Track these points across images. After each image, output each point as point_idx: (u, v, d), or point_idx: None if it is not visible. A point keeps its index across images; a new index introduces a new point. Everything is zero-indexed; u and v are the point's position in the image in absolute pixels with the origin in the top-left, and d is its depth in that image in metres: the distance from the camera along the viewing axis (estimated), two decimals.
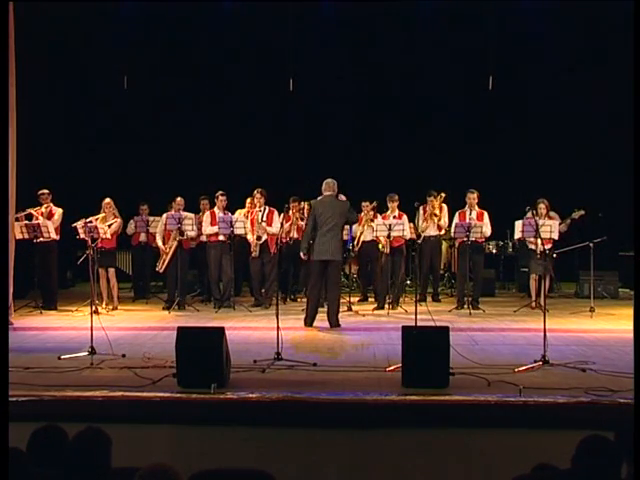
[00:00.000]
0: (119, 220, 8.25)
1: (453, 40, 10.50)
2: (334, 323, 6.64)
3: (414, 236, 8.47)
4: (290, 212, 8.38)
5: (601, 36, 9.90)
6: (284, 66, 10.46)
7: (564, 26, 10.10)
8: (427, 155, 10.83)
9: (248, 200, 8.86)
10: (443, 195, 8.73)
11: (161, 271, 8.27)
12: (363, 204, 8.87)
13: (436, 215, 8.69)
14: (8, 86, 4.46)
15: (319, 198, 6.80)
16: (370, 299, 9.00)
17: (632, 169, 4.84)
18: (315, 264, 6.70)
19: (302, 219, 8.58)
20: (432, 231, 8.79)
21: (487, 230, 8.18)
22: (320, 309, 6.86)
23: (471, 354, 5.07)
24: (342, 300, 8.50)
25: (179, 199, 8.31)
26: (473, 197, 8.21)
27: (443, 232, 9.01)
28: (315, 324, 6.66)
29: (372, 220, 8.64)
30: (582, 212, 8.62)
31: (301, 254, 7.11)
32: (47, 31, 9.58)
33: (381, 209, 8.94)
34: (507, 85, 10.37)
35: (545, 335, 4.82)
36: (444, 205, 8.82)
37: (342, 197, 7.79)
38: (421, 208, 8.79)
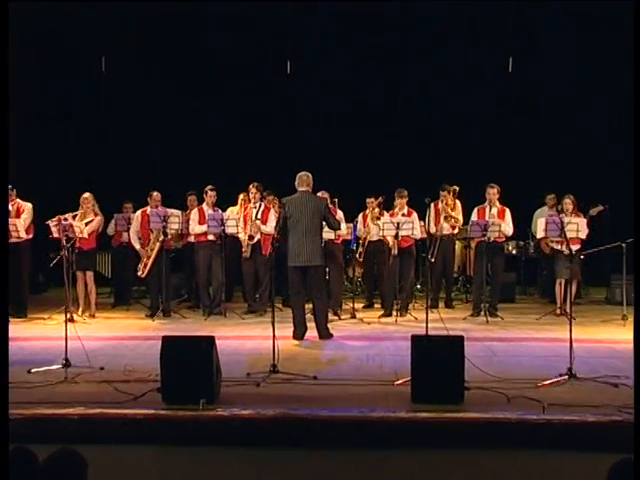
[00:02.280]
0: (99, 217, 8.22)
1: (467, 20, 10.52)
2: (324, 335, 6.58)
3: (425, 236, 8.44)
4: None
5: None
6: (281, 48, 10.47)
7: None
8: (439, 146, 10.84)
9: (241, 196, 8.85)
10: (456, 189, 8.70)
11: (143, 275, 8.24)
12: (368, 200, 8.86)
13: (452, 217, 8.66)
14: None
15: (292, 196, 6.57)
16: (376, 305, 8.99)
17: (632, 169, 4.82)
18: (291, 272, 6.56)
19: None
20: (445, 229, 8.77)
21: (508, 229, 8.16)
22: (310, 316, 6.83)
23: (488, 366, 5.06)
24: (345, 306, 8.56)
25: (155, 194, 8.24)
26: (493, 192, 8.16)
27: (457, 231, 8.99)
28: (314, 334, 6.65)
29: (378, 218, 8.64)
30: (600, 208, 8.60)
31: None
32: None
33: (388, 206, 8.93)
34: (525, 71, 10.46)
35: (572, 346, 4.80)
36: (457, 201, 8.81)
37: (322, 194, 7.75)
38: (432, 205, 8.75)
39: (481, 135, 10.93)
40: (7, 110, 4.76)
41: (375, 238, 8.78)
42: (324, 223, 6.64)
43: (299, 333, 6.54)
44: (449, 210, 8.69)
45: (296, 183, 6.63)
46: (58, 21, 10.39)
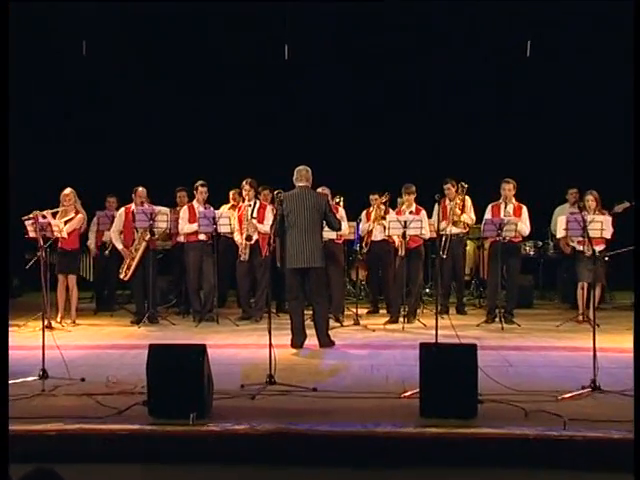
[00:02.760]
0: (81, 215, 8.17)
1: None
2: (324, 343, 6.57)
3: (434, 235, 8.42)
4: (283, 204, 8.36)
5: None
6: (278, 31, 10.48)
7: None
8: (448, 139, 10.87)
9: (232, 193, 8.84)
10: (465, 186, 8.67)
11: (126, 279, 8.22)
12: (372, 197, 8.85)
13: (457, 214, 8.64)
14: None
15: (290, 192, 6.55)
16: (382, 311, 9.00)
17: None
18: (289, 274, 6.55)
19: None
20: (454, 228, 8.75)
21: (525, 228, 8.14)
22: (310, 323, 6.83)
23: (504, 378, 5.05)
24: (348, 312, 8.54)
25: (141, 189, 8.21)
26: (509, 188, 8.14)
27: (466, 230, 8.98)
28: (314, 342, 6.63)
29: (383, 217, 8.62)
30: (626, 204, 8.57)
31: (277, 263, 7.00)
32: None
33: (394, 203, 8.91)
34: (543, 57, 10.52)
35: (595, 355, 4.78)
36: (467, 198, 8.80)
37: (323, 190, 7.74)
38: (440, 202, 8.74)
39: (495, 127, 10.96)
40: (7, 110, 4.98)
41: (379, 238, 8.77)
42: (324, 222, 6.63)
43: (298, 341, 6.52)
44: (457, 211, 8.66)
45: (294, 178, 6.61)
46: (58, 21, 10.58)
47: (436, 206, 8.59)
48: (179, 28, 10.90)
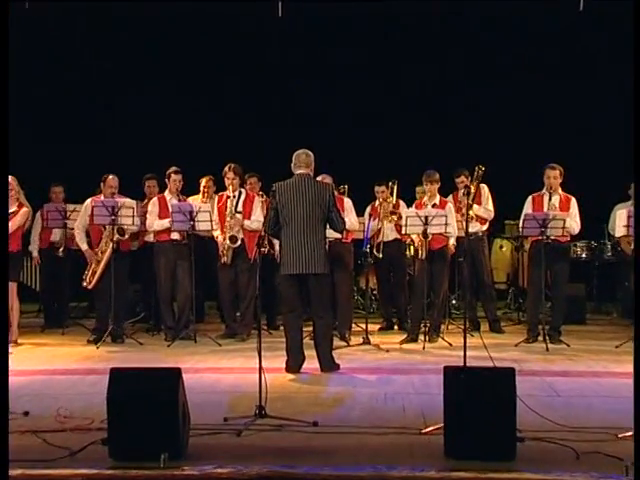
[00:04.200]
0: (26, 209, 8.15)
1: None
2: (327, 366, 6.56)
3: (463, 234, 8.41)
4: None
5: None
6: None
7: None
8: (474, 113, 10.99)
9: (203, 180, 8.78)
10: (482, 169, 8.62)
11: (90, 287, 8.25)
12: (377, 189, 8.85)
13: (475, 217, 8.66)
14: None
15: (286, 181, 6.56)
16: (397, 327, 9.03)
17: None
18: (284, 283, 6.60)
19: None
20: (471, 226, 8.72)
21: (574, 225, 8.11)
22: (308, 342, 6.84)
23: (550, 410, 5.04)
24: (356, 328, 8.56)
25: (111, 178, 8.23)
26: (554, 175, 8.11)
27: (486, 227, 9.00)
28: (315, 364, 6.64)
29: (393, 212, 8.61)
30: None
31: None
32: None
33: (407, 194, 8.89)
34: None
35: None
36: (483, 186, 8.81)
37: (325, 178, 7.74)
38: (451, 196, 8.77)
39: (533, 104, 11.01)
40: (7, 110, 5.20)
41: (391, 237, 8.76)
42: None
43: (294, 364, 6.53)
44: (467, 202, 8.60)
45: (292, 164, 6.61)
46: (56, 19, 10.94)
47: (450, 200, 8.65)
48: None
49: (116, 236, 8.04)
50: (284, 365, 6.54)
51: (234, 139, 10.79)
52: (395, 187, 8.83)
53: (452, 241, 8.25)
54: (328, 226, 6.69)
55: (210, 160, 9.04)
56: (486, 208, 8.81)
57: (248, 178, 8.84)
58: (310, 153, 6.62)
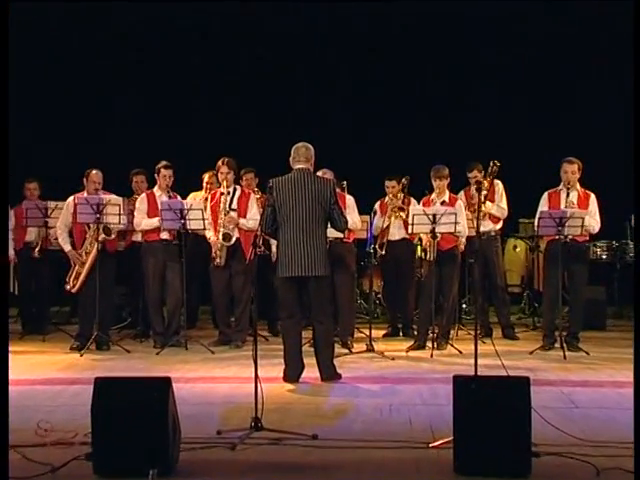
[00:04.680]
0: None
1: None
2: (328, 375, 6.55)
3: (474, 233, 8.40)
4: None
5: None
6: None
7: None
8: (487, 106, 11.02)
9: (205, 177, 8.82)
10: (497, 164, 8.58)
11: (74, 290, 8.24)
12: (387, 183, 8.86)
13: (488, 214, 8.63)
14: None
15: (284, 176, 6.56)
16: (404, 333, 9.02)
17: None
18: (282, 286, 6.59)
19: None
20: (484, 224, 8.73)
21: (594, 223, 8.09)
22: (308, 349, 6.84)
23: (568, 423, 5.05)
24: (359, 334, 8.56)
25: (94, 173, 8.21)
26: (572, 170, 8.09)
27: (499, 226, 8.99)
28: (315, 373, 6.63)
29: (401, 209, 8.60)
30: None
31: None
32: None
33: (417, 191, 8.89)
34: None
35: None
36: (498, 182, 8.79)
37: (326, 173, 7.73)
38: (463, 192, 8.75)
39: (551, 94, 11.05)
40: (7, 109, 5.35)
41: (397, 237, 8.74)
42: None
43: (293, 373, 6.53)
44: (481, 198, 8.60)
45: (291, 158, 6.61)
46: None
47: (461, 195, 8.63)
48: None
49: (102, 235, 8.02)
50: (282, 374, 6.54)
51: (232, 133, 10.83)
52: (407, 183, 8.82)
53: (462, 240, 8.24)
54: (329, 225, 6.69)
55: (210, 155, 9.03)
56: (499, 206, 8.80)
57: (244, 174, 8.83)
58: (310, 146, 6.62)
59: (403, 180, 8.83)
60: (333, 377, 6.58)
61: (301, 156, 6.57)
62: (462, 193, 8.74)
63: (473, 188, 8.56)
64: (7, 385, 4.35)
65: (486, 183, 8.52)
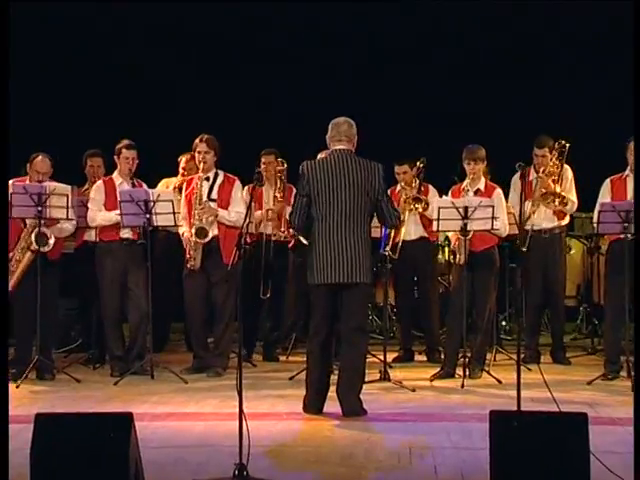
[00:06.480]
0: None
1: None
2: (352, 408, 6.58)
3: (516, 231, 8.41)
4: (263, 181, 8.36)
5: None
6: None
7: None
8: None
9: (183, 159, 8.84)
10: (566, 146, 8.63)
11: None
12: (397, 169, 8.90)
13: (556, 194, 8.62)
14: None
15: (318, 157, 6.65)
16: (419, 357, 9.17)
17: None
18: (316, 294, 6.68)
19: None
20: (544, 220, 8.76)
21: None
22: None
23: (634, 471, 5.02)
24: (371, 358, 8.54)
25: (40, 159, 8.19)
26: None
27: (566, 221, 9.04)
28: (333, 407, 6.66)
29: (417, 199, 8.62)
30: None
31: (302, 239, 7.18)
32: None
33: (442, 177, 8.92)
34: None
35: None
36: (567, 167, 8.83)
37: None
38: (519, 174, 8.74)
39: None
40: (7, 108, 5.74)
41: (414, 236, 8.78)
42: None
43: (315, 403, 6.60)
44: (549, 182, 8.57)
45: (328, 137, 6.66)
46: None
47: (516, 180, 8.58)
48: None
49: (33, 245, 7.90)
50: (302, 404, 6.60)
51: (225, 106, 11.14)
52: (423, 167, 8.84)
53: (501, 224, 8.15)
54: (376, 221, 6.78)
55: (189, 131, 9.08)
56: (570, 198, 8.78)
57: (263, 155, 8.87)
58: (353, 123, 6.66)
59: (418, 164, 8.84)
60: (358, 413, 6.59)
61: (342, 134, 6.60)
62: (516, 177, 8.54)
63: (540, 170, 8.63)
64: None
65: (554, 169, 8.57)
